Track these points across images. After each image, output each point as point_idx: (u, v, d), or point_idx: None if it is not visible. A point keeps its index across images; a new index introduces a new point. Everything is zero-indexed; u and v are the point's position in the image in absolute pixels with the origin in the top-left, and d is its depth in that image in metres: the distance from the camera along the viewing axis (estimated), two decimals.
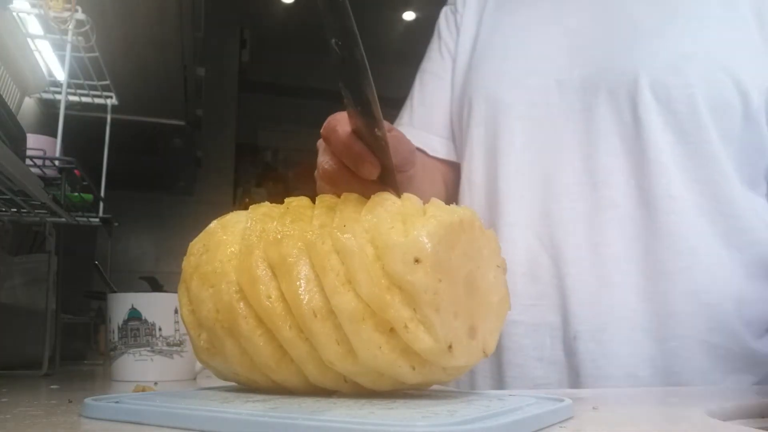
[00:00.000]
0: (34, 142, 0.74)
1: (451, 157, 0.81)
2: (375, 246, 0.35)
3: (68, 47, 0.78)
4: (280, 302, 0.37)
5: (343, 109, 0.40)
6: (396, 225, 0.35)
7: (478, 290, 0.38)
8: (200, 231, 0.44)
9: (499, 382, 0.70)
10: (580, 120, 0.69)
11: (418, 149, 0.75)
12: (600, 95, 0.68)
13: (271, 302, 0.37)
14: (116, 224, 0.92)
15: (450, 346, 0.34)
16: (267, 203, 0.43)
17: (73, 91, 0.94)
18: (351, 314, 0.35)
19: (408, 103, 0.85)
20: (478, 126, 0.75)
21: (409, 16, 3.42)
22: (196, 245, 0.43)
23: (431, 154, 0.80)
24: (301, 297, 0.36)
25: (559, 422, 0.33)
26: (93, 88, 0.94)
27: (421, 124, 0.82)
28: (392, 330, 0.34)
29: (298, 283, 0.36)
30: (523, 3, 0.79)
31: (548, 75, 0.72)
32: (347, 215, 0.37)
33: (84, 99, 0.96)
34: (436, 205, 0.38)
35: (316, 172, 0.46)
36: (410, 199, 0.39)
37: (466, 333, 0.36)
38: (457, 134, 0.81)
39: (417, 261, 0.34)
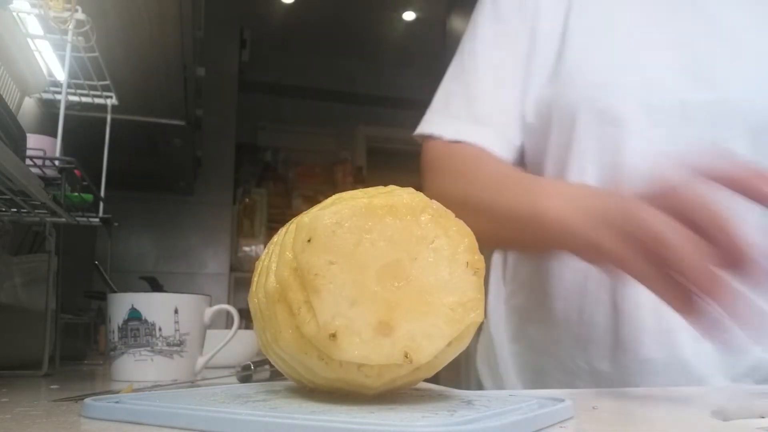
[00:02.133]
0: (34, 142, 0.74)
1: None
2: (296, 227, 0.35)
3: (68, 47, 0.78)
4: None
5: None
6: (320, 206, 0.35)
7: (409, 284, 0.33)
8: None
9: None
10: (712, 152, 0.60)
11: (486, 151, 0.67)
12: (736, 128, 0.60)
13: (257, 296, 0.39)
14: (116, 224, 0.92)
15: (333, 334, 0.32)
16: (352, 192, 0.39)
17: (73, 91, 0.94)
18: (271, 295, 0.35)
19: (458, 90, 0.71)
20: (588, 140, 0.66)
21: (409, 16, 3.43)
22: None
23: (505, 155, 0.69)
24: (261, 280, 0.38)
25: (559, 422, 0.33)
26: (93, 88, 0.94)
27: (489, 122, 0.69)
28: None
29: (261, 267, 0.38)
30: None
31: (669, 91, 0.63)
32: (327, 202, 0.37)
33: (84, 99, 0.96)
34: (382, 189, 0.37)
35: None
36: (394, 189, 0.37)
37: (369, 326, 0.32)
38: (533, 134, 0.71)
39: (309, 241, 0.33)
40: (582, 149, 0.67)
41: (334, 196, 0.37)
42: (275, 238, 0.39)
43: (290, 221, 0.38)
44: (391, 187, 0.37)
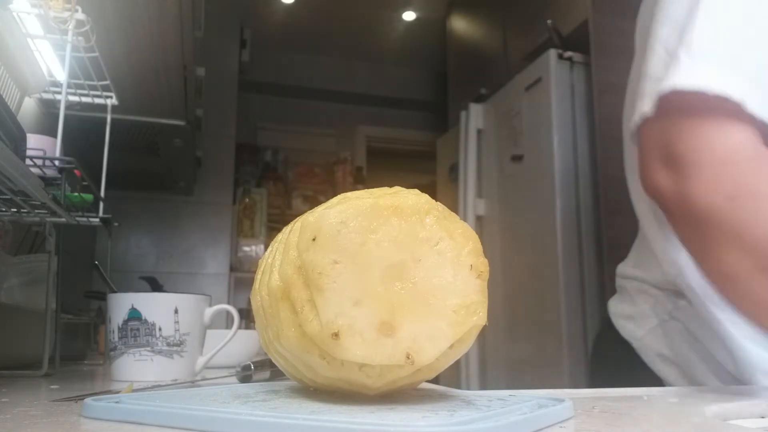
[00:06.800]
0: (34, 142, 0.74)
1: None
2: (301, 226, 0.35)
3: (68, 47, 0.78)
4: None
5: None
6: (325, 206, 0.35)
7: (413, 285, 0.33)
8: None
9: None
10: None
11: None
12: None
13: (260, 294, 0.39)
14: (116, 224, 0.92)
15: (336, 334, 0.32)
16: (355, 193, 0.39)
17: (73, 91, 0.94)
18: (274, 293, 0.35)
19: (708, 34, 0.47)
20: None
21: (409, 16, 3.43)
22: None
23: None
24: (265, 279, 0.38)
25: (559, 422, 0.33)
26: (93, 88, 0.94)
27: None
28: None
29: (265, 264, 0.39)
30: None
31: None
32: (332, 202, 0.37)
33: (84, 99, 0.96)
34: (388, 190, 0.37)
35: None
36: (398, 189, 0.37)
37: (372, 326, 0.32)
38: None
39: (314, 239, 0.33)
40: None
41: (339, 196, 0.37)
42: (279, 236, 0.39)
43: (295, 220, 0.39)
44: (397, 188, 0.37)
